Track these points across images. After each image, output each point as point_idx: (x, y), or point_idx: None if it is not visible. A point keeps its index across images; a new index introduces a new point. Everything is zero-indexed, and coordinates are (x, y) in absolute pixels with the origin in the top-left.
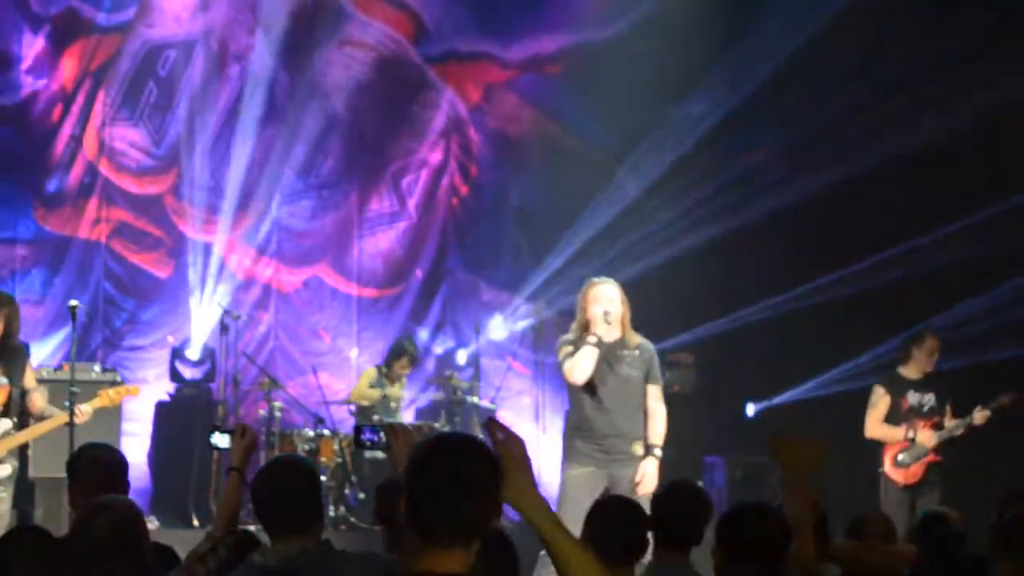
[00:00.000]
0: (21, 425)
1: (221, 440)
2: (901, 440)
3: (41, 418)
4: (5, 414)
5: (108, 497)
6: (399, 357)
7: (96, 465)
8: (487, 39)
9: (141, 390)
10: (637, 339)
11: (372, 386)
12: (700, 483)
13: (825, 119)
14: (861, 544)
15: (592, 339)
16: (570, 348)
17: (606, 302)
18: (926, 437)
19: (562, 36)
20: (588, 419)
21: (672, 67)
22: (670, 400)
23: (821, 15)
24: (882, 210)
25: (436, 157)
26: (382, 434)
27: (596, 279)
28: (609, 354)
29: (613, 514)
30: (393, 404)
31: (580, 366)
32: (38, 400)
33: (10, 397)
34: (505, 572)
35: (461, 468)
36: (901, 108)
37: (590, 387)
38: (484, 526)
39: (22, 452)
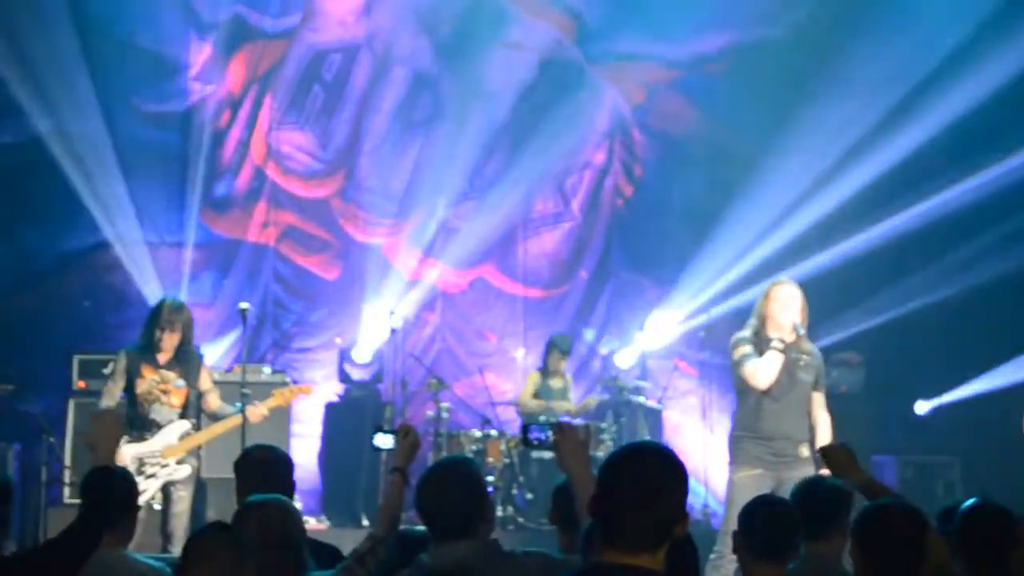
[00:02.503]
0: (197, 426)
1: (384, 441)
2: None
3: (216, 418)
4: (184, 416)
5: (259, 497)
6: (550, 352)
7: (260, 465)
8: (649, 39)
9: (312, 390)
10: (809, 344)
11: (537, 393)
12: None
13: (991, 116)
14: None
15: (779, 344)
16: (748, 348)
17: (789, 303)
18: None
19: (724, 35)
20: (759, 420)
21: (835, 65)
22: (838, 400)
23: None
24: None
25: (600, 158)
26: (549, 433)
27: (780, 278)
28: (784, 357)
29: (768, 513)
30: (559, 410)
31: (765, 370)
32: (213, 401)
33: (188, 399)
34: (687, 571)
35: (649, 475)
36: None
37: (764, 389)
38: (670, 532)
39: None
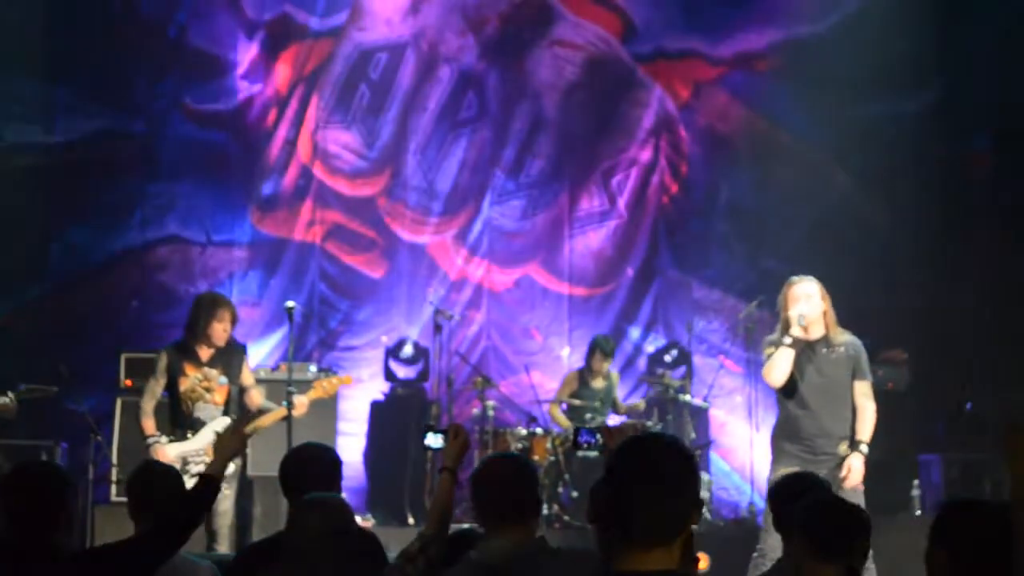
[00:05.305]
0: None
1: (435, 440)
2: None
3: (259, 414)
4: (226, 412)
5: (319, 494)
6: (593, 353)
7: (307, 465)
8: (695, 36)
9: (355, 386)
10: (843, 336)
11: (575, 394)
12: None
13: None
14: None
15: (787, 340)
16: (771, 350)
17: (803, 300)
18: None
19: (772, 32)
20: (794, 419)
21: (885, 62)
22: (884, 397)
23: None
24: None
25: (646, 155)
26: (599, 436)
27: (795, 278)
28: (812, 352)
29: (830, 511)
30: (597, 404)
31: (775, 368)
32: (256, 397)
33: (229, 395)
34: None
35: (659, 466)
36: None
37: (794, 387)
38: (684, 524)
39: None
